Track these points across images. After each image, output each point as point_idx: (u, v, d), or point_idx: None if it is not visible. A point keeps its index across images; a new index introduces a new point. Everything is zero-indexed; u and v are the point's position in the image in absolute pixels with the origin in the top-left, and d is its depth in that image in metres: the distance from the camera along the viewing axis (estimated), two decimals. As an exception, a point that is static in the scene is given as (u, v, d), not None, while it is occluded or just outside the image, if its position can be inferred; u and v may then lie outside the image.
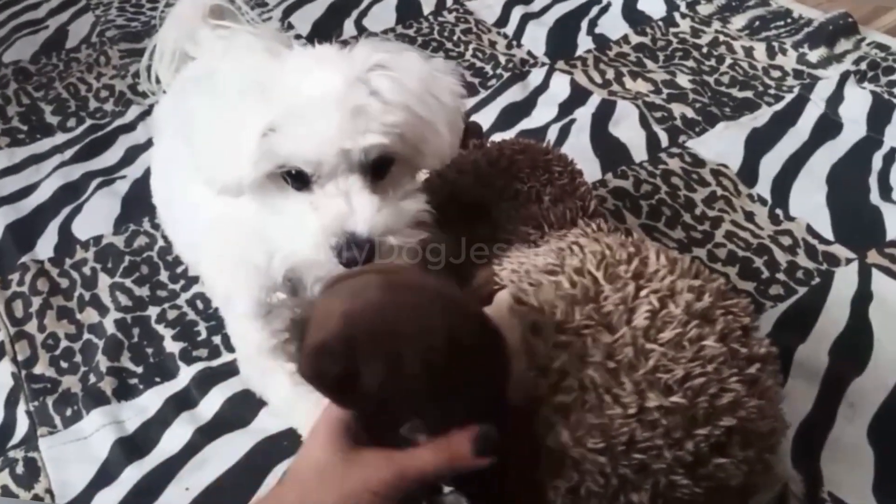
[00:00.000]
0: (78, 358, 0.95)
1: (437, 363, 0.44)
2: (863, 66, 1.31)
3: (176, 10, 1.02)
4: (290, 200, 0.63)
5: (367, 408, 0.49)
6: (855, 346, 0.88)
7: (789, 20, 1.45)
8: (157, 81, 1.07)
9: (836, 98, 1.25)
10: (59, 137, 1.33)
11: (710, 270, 0.94)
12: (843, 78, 1.29)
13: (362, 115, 0.59)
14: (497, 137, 1.21)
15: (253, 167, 0.60)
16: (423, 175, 0.78)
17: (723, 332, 0.53)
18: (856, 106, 1.23)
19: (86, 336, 0.98)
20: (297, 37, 1.54)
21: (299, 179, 0.62)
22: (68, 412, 0.89)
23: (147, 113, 1.33)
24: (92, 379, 0.92)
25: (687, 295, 0.54)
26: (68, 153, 1.29)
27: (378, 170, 0.62)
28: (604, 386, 0.51)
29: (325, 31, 1.56)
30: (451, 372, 0.45)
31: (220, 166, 0.64)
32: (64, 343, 0.97)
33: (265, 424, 0.86)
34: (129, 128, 1.33)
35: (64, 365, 0.94)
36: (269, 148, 0.60)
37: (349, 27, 1.56)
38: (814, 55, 1.35)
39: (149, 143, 1.20)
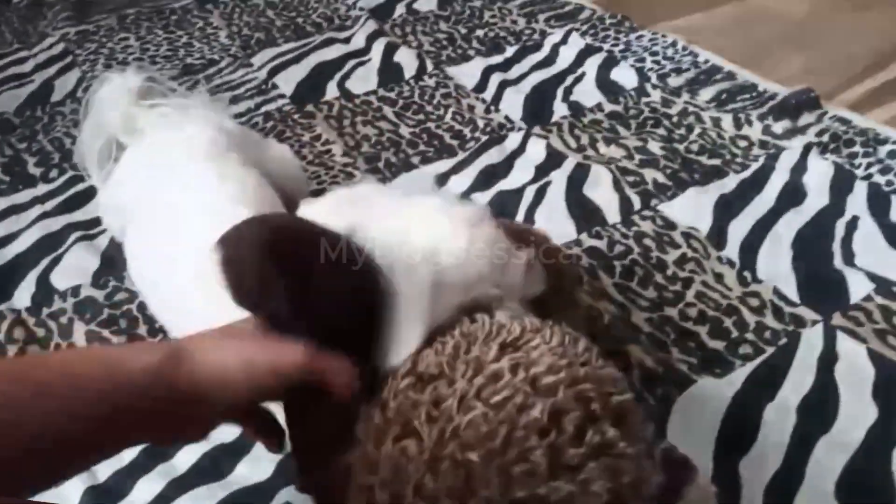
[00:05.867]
0: (51, 407, 0.94)
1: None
2: (825, 138, 1.37)
3: (103, 97, 1.02)
4: None
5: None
6: (822, 404, 0.91)
7: (755, 94, 1.52)
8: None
9: (799, 168, 1.31)
10: (41, 188, 1.34)
11: (680, 332, 0.99)
12: (807, 149, 1.34)
13: None
14: (476, 196, 1.26)
15: None
16: None
17: (556, 409, 0.49)
18: (818, 176, 1.28)
19: (60, 385, 0.97)
20: (281, 96, 1.58)
21: None
22: (40, 462, 0.88)
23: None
24: (65, 428, 0.91)
25: (543, 371, 0.51)
26: (49, 204, 1.30)
27: None
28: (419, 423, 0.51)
29: (308, 92, 1.60)
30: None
31: None
32: (38, 392, 0.96)
33: (241, 477, 0.85)
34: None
35: (37, 414, 0.93)
36: None
37: (332, 89, 1.60)
38: (778, 127, 1.41)
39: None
